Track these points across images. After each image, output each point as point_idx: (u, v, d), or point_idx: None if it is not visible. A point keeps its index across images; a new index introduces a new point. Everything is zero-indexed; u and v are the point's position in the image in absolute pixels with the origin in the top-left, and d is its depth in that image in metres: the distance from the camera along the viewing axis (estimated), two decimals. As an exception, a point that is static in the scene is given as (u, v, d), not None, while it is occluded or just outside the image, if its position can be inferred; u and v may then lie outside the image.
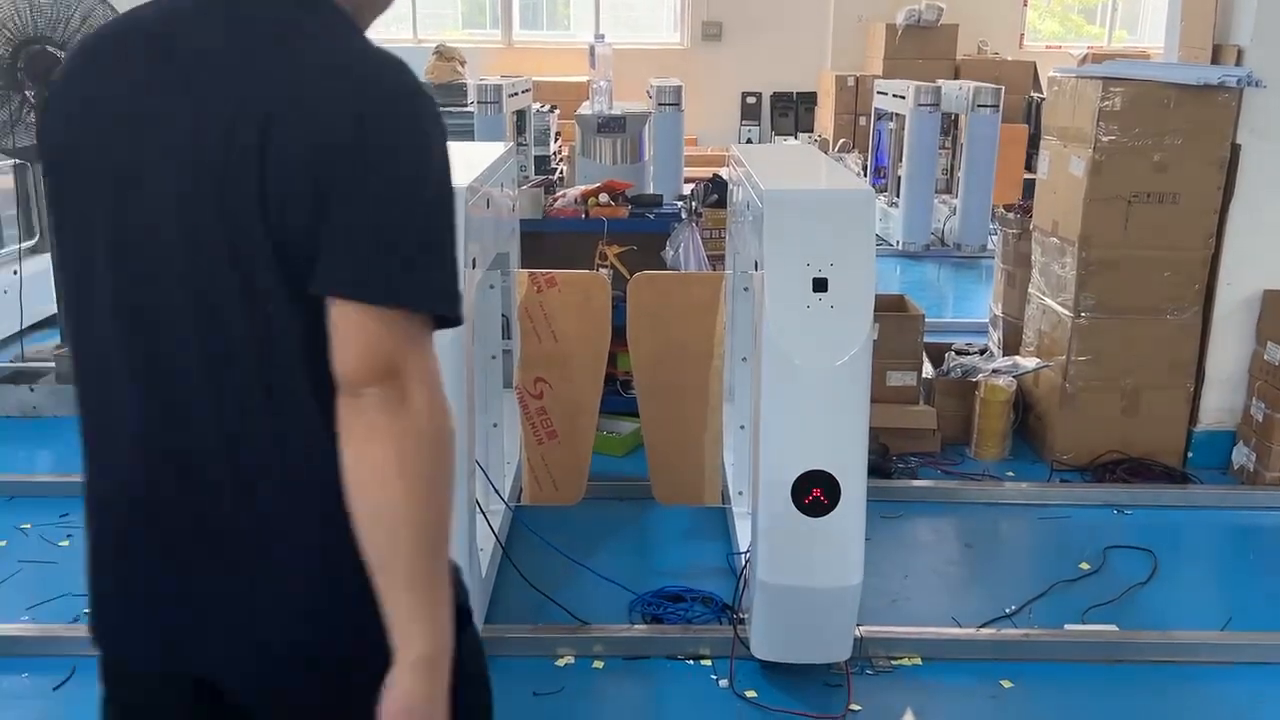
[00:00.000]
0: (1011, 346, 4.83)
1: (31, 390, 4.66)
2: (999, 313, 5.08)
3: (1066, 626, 3.12)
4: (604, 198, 4.56)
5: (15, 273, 5.42)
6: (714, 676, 2.88)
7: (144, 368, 1.23)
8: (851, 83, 10.47)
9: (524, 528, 3.54)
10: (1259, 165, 4.04)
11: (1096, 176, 4.05)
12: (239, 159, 1.14)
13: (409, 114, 1.19)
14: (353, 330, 1.15)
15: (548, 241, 4.49)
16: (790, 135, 11.31)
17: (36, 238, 5.83)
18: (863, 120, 10.18)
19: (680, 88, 7.27)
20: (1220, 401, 4.22)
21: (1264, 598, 3.39)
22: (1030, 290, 4.60)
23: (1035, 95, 10.27)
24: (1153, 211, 4.05)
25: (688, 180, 6.57)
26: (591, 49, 6.81)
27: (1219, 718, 2.77)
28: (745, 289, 3.56)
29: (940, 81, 8.45)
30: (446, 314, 1.20)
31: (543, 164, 8.33)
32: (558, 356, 3.41)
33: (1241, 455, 4.16)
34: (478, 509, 2.83)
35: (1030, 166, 9.73)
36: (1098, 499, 3.99)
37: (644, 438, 3.53)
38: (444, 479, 1.20)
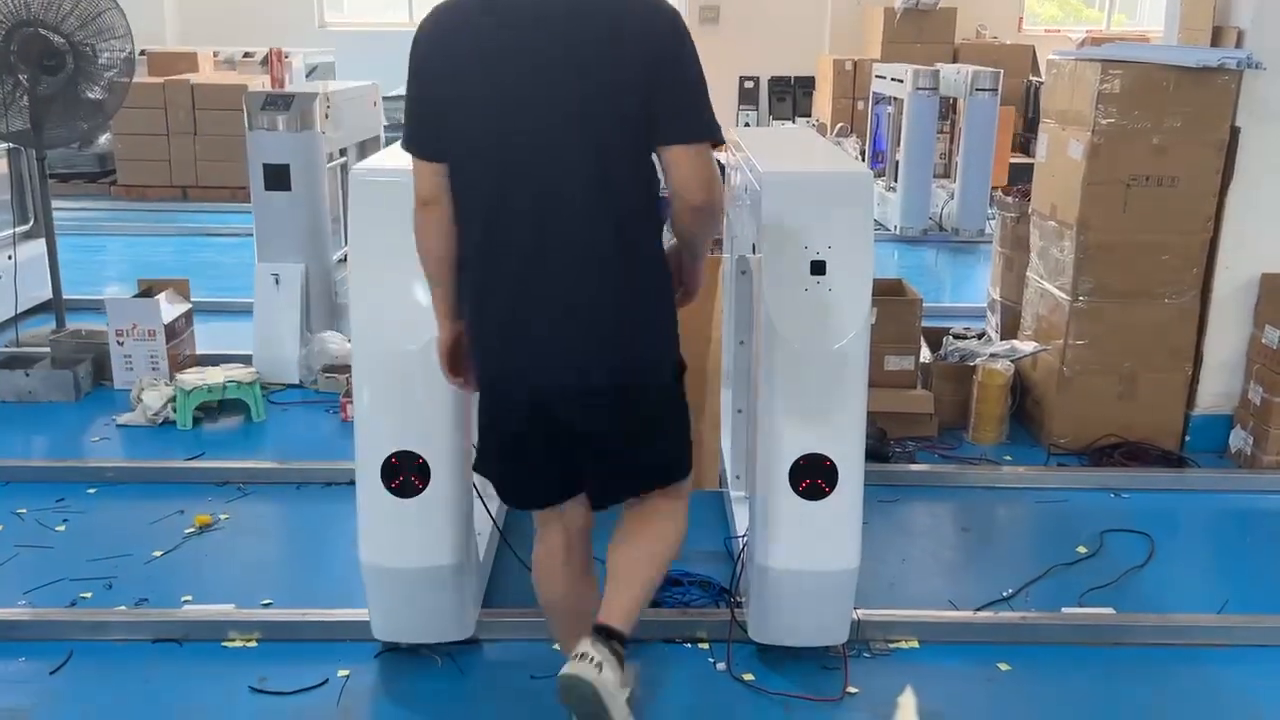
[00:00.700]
0: (1009, 330, 4.82)
1: (27, 375, 4.65)
2: (997, 297, 5.07)
3: (1063, 609, 3.12)
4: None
5: (10, 257, 5.41)
6: (711, 660, 2.88)
7: (546, 193, 2.13)
8: (850, 67, 10.43)
9: (522, 513, 3.53)
10: (1258, 148, 4.03)
11: (1095, 160, 4.04)
12: (604, 72, 2.09)
13: (685, 30, 2.14)
14: (686, 160, 2.13)
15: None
16: (788, 120, 11.27)
17: (31, 222, 5.81)
18: (861, 104, 10.15)
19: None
20: (1218, 385, 4.22)
21: (1260, 581, 3.40)
22: (1028, 274, 4.59)
23: (1034, 79, 10.25)
24: (1151, 195, 4.04)
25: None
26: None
27: (1216, 700, 2.78)
28: (743, 272, 3.55)
29: (939, 65, 8.42)
30: (722, 139, 2.19)
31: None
32: None
33: (1239, 439, 4.16)
34: (475, 494, 2.83)
35: (1019, 149, 9.74)
36: (1095, 483, 4.00)
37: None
38: (720, 211, 2.31)
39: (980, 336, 4.80)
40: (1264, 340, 4.06)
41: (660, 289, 2.27)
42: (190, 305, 5.03)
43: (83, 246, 7.44)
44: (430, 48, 2.17)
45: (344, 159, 5.35)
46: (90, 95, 4.76)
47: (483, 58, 2.11)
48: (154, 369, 4.68)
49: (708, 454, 3.86)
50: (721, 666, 2.85)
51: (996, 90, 7.84)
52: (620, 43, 2.08)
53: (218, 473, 3.94)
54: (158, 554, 3.39)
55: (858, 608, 2.86)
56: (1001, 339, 4.75)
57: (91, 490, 3.82)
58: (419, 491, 2.62)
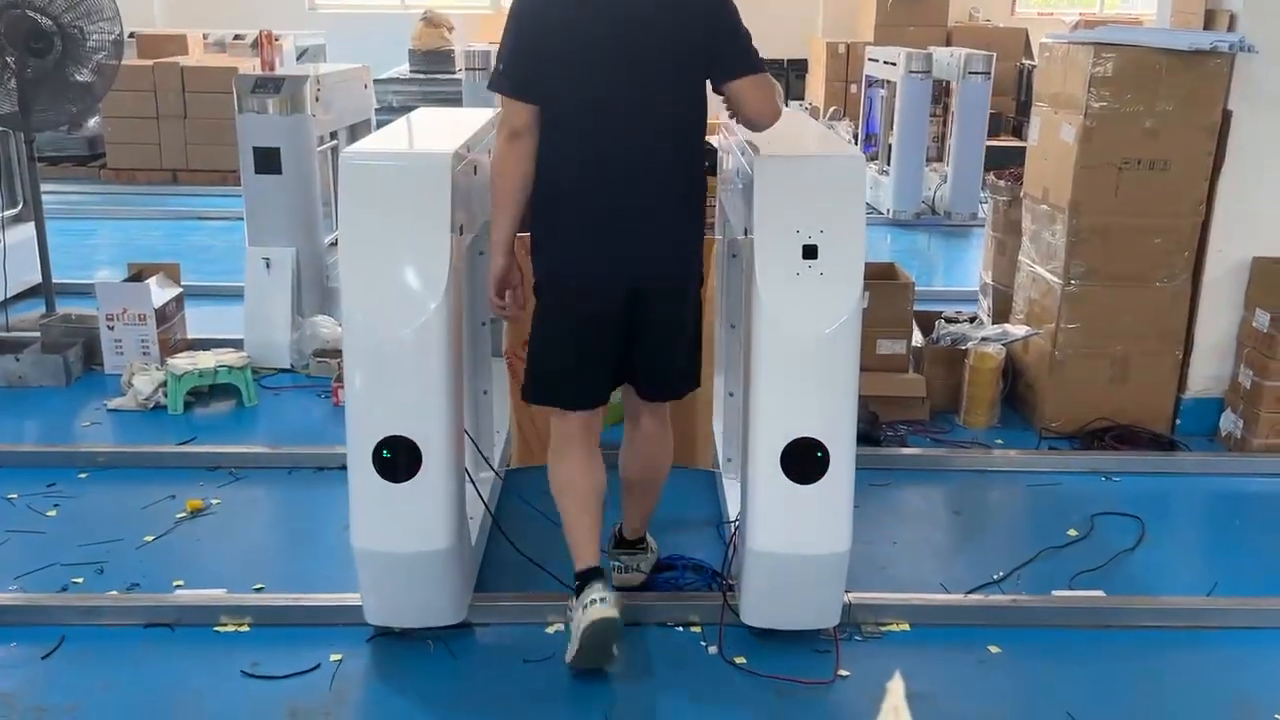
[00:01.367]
0: (1001, 314, 4.83)
1: (17, 360, 4.63)
2: (989, 280, 5.07)
3: (1054, 592, 3.14)
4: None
5: (-2, 241, 5.38)
6: (704, 643, 2.89)
7: (636, 115, 2.67)
8: (843, 50, 10.40)
9: (514, 496, 3.54)
10: (1250, 132, 4.03)
11: (1087, 143, 4.04)
12: (676, 30, 2.65)
13: None
14: (752, 87, 2.69)
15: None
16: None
17: (19, 206, 5.77)
18: (854, 88, 10.13)
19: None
20: (1209, 369, 4.23)
21: (1250, 563, 3.41)
22: (1020, 258, 4.59)
23: (1027, 62, 10.24)
24: (1143, 178, 4.04)
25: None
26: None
27: (1206, 682, 2.79)
28: (735, 256, 3.55)
29: (932, 48, 8.41)
30: (766, 70, 2.72)
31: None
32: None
33: (1229, 422, 4.18)
34: (467, 477, 2.83)
35: (1010, 132, 9.73)
36: (1086, 466, 4.01)
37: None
38: (778, 107, 2.78)
39: (972, 320, 4.80)
40: (1254, 324, 4.07)
41: (703, 209, 2.85)
42: (181, 289, 5.01)
43: (72, 230, 7.41)
44: (538, 2, 2.68)
45: (335, 142, 5.33)
46: (79, 78, 4.73)
47: (580, 11, 2.65)
48: (145, 353, 4.67)
49: (701, 436, 3.87)
50: (714, 650, 2.85)
51: (989, 74, 7.83)
52: (685, 6, 2.67)
53: (209, 457, 3.93)
54: (149, 539, 3.38)
55: (849, 591, 2.87)
56: (993, 323, 4.75)
57: (82, 475, 3.81)
58: (411, 476, 2.62)
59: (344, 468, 2.69)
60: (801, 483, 2.65)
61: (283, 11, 11.53)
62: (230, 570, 3.20)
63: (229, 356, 4.53)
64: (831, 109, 10.16)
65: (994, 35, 10.49)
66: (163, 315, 4.75)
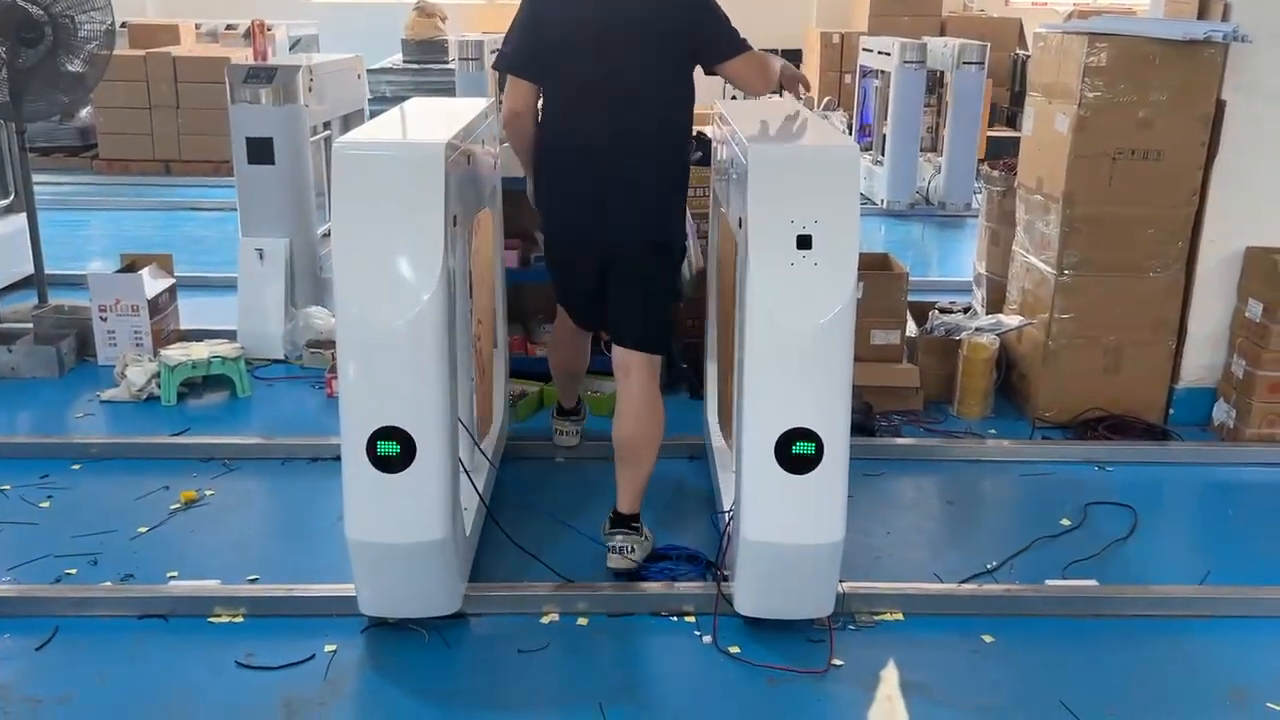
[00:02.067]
0: (995, 304, 4.83)
1: (9, 351, 4.62)
2: (983, 271, 5.08)
3: (1047, 582, 3.15)
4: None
5: (-10, 232, 5.36)
6: (697, 633, 2.90)
7: (619, 97, 3.05)
8: (837, 40, 10.39)
9: (507, 487, 3.54)
10: (1244, 121, 4.03)
11: (1081, 133, 4.04)
12: (661, 23, 3.03)
13: None
14: (743, 65, 3.12)
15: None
16: (775, 93, 11.21)
17: (11, 197, 5.75)
18: (848, 78, 10.11)
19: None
20: (1201, 358, 4.24)
21: (1242, 552, 3.43)
22: (1014, 248, 4.59)
23: (1021, 52, 10.23)
24: (1137, 168, 4.04)
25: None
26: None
27: (1198, 671, 2.80)
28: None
29: (926, 38, 8.39)
30: (751, 47, 3.11)
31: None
32: (479, 298, 3.53)
33: (1222, 412, 4.19)
34: (461, 467, 2.83)
35: (1004, 122, 9.73)
36: (1079, 455, 4.02)
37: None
38: (768, 75, 3.21)
39: (966, 310, 4.80)
40: (1247, 314, 4.08)
41: (680, 185, 3.23)
42: (174, 280, 5.00)
43: (64, 221, 7.38)
44: None
45: (328, 132, 5.31)
46: (70, 68, 4.71)
47: (579, 8, 3.07)
48: (138, 344, 4.66)
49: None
50: (707, 640, 2.86)
51: (983, 64, 7.82)
52: (668, 4, 3.09)
53: (203, 448, 3.93)
54: (143, 530, 3.38)
55: (843, 581, 2.87)
56: (987, 313, 4.76)
57: (76, 466, 3.81)
58: (405, 466, 2.62)
59: (338, 459, 2.69)
60: (795, 472, 2.65)
61: (275, 1, 11.48)
62: (224, 561, 3.20)
63: (222, 347, 4.52)
64: (826, 99, 10.13)
65: (988, 25, 10.47)
66: (156, 306, 4.74)
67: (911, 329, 4.59)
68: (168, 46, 9.62)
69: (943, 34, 9.81)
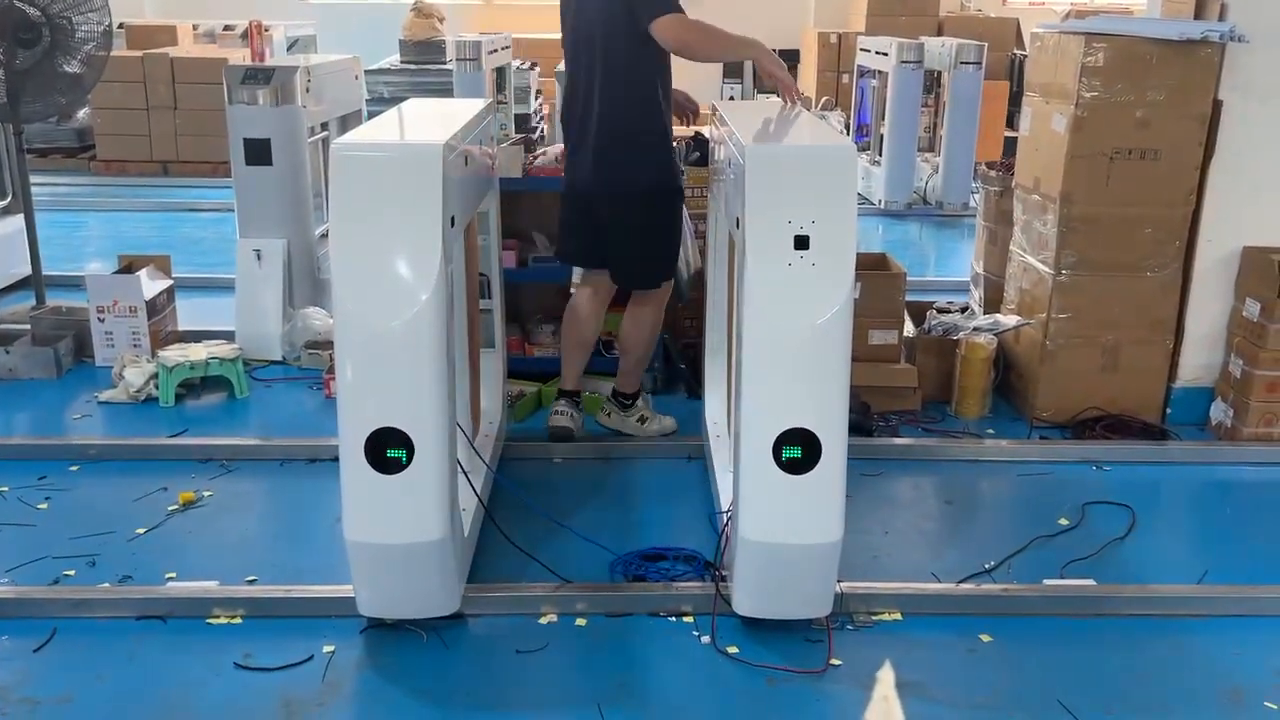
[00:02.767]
0: (993, 304, 4.83)
1: (7, 352, 4.62)
2: (980, 270, 5.08)
3: (1045, 581, 3.15)
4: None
5: (-12, 233, 5.36)
6: (696, 633, 2.90)
7: (596, 69, 3.64)
8: (834, 40, 10.39)
9: (506, 488, 3.54)
10: (1241, 121, 4.03)
11: (1078, 133, 4.04)
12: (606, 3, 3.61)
13: None
14: (661, 27, 3.45)
15: (528, 200, 4.46)
16: (773, 93, 11.22)
17: (9, 198, 5.75)
18: (845, 78, 10.11)
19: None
20: (1199, 358, 4.24)
21: (1240, 552, 3.43)
22: (1012, 248, 4.60)
23: (1018, 52, 10.23)
24: (1134, 168, 4.05)
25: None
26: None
27: (1196, 670, 2.80)
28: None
29: (923, 38, 8.39)
30: (676, 10, 3.50)
31: (523, 122, 8.25)
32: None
33: (1219, 411, 4.19)
34: (459, 470, 2.83)
35: (1012, 123, 9.72)
36: (1077, 455, 4.02)
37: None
38: (708, 39, 3.59)
39: (964, 310, 4.81)
40: (1245, 313, 4.08)
41: (648, 143, 3.67)
42: (171, 281, 5.00)
43: (62, 222, 7.38)
44: None
45: (325, 133, 5.31)
46: (68, 69, 4.71)
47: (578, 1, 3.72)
48: (136, 345, 4.65)
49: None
50: (706, 640, 2.86)
51: (981, 63, 7.82)
52: None
53: (201, 450, 3.93)
54: (141, 531, 3.38)
55: (841, 580, 2.87)
56: (985, 313, 4.76)
57: (74, 468, 3.81)
58: (403, 467, 2.62)
59: (336, 459, 2.69)
60: (793, 472, 2.65)
61: (273, 2, 11.47)
62: (223, 562, 3.20)
63: (220, 348, 4.52)
64: (823, 99, 10.14)
65: (985, 25, 10.47)
66: (153, 307, 4.74)
67: (909, 329, 4.59)
68: (165, 47, 9.62)
69: (940, 34, 9.80)
